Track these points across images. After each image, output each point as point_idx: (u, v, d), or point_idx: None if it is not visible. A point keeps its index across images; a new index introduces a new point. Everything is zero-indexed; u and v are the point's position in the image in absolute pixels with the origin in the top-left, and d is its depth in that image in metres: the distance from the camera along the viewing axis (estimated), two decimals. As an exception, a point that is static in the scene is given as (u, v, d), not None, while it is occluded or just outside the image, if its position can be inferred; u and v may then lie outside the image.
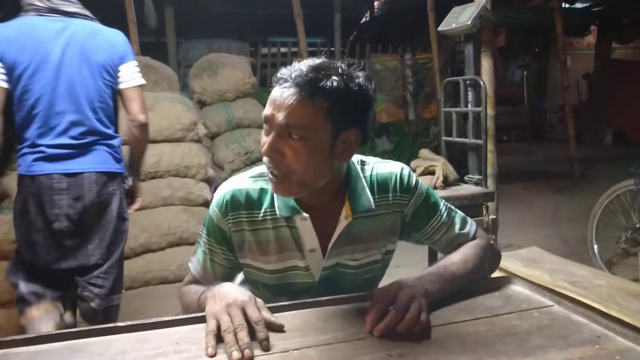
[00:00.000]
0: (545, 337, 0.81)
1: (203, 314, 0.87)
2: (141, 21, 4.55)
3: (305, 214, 0.99)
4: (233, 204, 1.01)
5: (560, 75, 6.42)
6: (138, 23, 4.15)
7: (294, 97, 0.88)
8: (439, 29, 2.88)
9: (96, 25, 1.88)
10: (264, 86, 5.36)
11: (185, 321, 0.89)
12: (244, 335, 0.78)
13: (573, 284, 1.81)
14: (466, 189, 2.50)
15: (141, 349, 0.80)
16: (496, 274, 1.92)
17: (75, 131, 1.79)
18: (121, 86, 1.88)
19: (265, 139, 0.92)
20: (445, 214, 1.09)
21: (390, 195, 1.05)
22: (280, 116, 0.89)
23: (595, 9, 8.49)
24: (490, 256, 1.09)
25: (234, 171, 3.65)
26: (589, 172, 6.33)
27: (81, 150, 1.80)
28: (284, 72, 0.91)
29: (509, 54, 10.33)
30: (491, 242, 1.13)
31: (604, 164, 6.74)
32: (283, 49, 6.39)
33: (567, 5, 8.30)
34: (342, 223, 1.00)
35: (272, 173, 0.94)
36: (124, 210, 1.95)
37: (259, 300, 0.88)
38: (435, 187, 2.36)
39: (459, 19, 2.68)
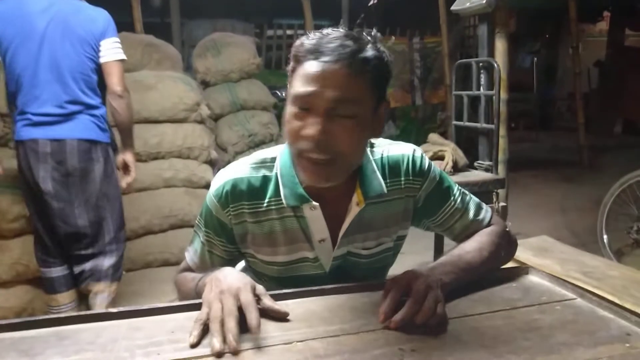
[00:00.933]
0: (570, 333, 0.75)
1: (200, 300, 0.81)
2: (145, 0, 4.45)
3: (315, 203, 0.91)
4: (234, 195, 0.93)
5: (571, 62, 6.29)
6: (142, 3, 4.06)
7: (341, 71, 0.79)
8: (452, 8, 2.78)
9: (81, 3, 2.03)
10: (269, 68, 5.27)
11: (182, 308, 0.83)
12: (231, 325, 0.71)
13: (585, 275, 1.75)
14: (476, 175, 2.43)
15: (133, 337, 0.74)
16: (508, 263, 1.87)
17: (59, 100, 1.93)
18: (101, 60, 2.01)
19: (303, 123, 0.82)
20: (459, 199, 1.02)
21: (403, 179, 0.98)
22: (328, 93, 0.79)
23: (609, -5, 8.29)
24: (506, 244, 1.02)
25: (238, 153, 3.59)
26: (597, 161, 6.23)
27: (65, 118, 1.94)
28: (312, 44, 0.82)
29: (519, 40, 10.13)
30: (507, 229, 1.07)
31: (614, 153, 6.64)
32: (289, 31, 6.28)
33: (580, -10, 8.09)
34: (354, 210, 0.93)
35: (316, 159, 0.83)
36: (111, 178, 2.07)
37: (260, 287, 0.81)
38: (444, 173, 2.29)
39: (473, -2, 2.58)
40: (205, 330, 0.73)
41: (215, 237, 0.99)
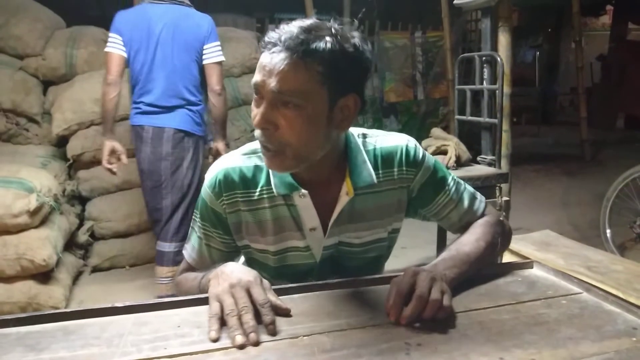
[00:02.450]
0: (576, 327, 0.75)
1: (206, 295, 0.81)
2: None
3: (304, 191, 0.92)
4: (227, 184, 0.94)
5: (574, 56, 6.25)
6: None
7: (285, 62, 0.80)
8: (455, 2, 2.75)
9: (189, 10, 2.32)
10: (270, 63, 5.23)
11: (187, 303, 0.83)
12: (249, 318, 0.72)
13: (589, 269, 1.75)
14: (479, 169, 2.42)
15: (139, 332, 0.74)
16: (510, 257, 1.87)
17: (165, 95, 2.26)
18: (204, 62, 2.30)
19: (257, 110, 0.84)
20: (453, 189, 1.03)
21: (396, 169, 0.98)
22: (271, 83, 0.81)
23: (613, -12, 8.23)
24: (501, 232, 1.02)
25: (240, 149, 3.58)
26: (600, 156, 6.21)
27: (167, 110, 2.27)
28: (272, 35, 0.83)
29: (521, 34, 10.07)
30: (501, 218, 1.07)
31: (616, 148, 6.61)
32: (290, 26, 6.24)
33: (583, -16, 8.03)
34: (343, 199, 0.94)
35: (266, 147, 0.86)
36: (196, 167, 2.36)
37: (265, 282, 0.81)
38: (447, 167, 2.28)
39: (476, -9, 2.56)
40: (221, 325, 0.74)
41: (211, 229, 0.99)
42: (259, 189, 0.95)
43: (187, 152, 2.31)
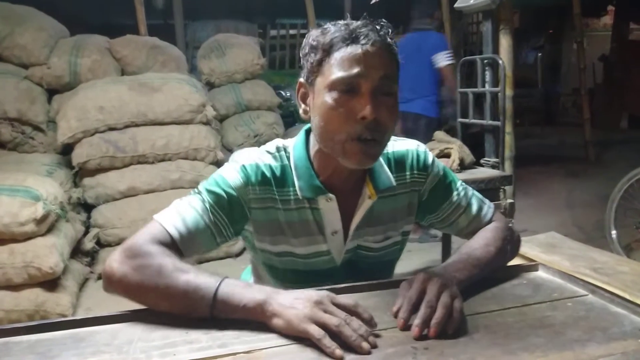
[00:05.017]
0: (582, 329, 0.75)
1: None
2: (149, 2, 4.47)
3: (331, 195, 0.93)
4: (259, 177, 0.91)
5: (576, 57, 6.24)
6: (145, 4, 4.08)
7: (380, 51, 0.84)
8: (456, 5, 2.77)
9: (429, 33, 3.47)
10: (272, 68, 5.27)
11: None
12: (357, 324, 0.70)
13: (595, 271, 1.74)
14: (483, 172, 2.42)
15: (149, 338, 0.75)
16: (516, 260, 1.86)
17: (415, 89, 3.33)
18: (437, 66, 3.37)
19: (348, 107, 0.83)
20: (462, 194, 1.03)
21: (408, 173, 1.00)
22: (376, 71, 0.83)
23: (614, -12, 8.23)
24: (510, 239, 1.03)
25: (243, 154, 3.60)
26: (604, 157, 6.19)
27: (413, 99, 3.39)
28: (343, 31, 0.84)
29: (523, 36, 10.07)
30: (510, 224, 1.07)
31: (620, 148, 6.58)
32: (292, 31, 6.27)
33: (584, -15, 8.03)
34: (367, 203, 0.94)
35: (372, 139, 0.84)
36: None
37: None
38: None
39: (477, -5, 2.57)
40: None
41: (217, 209, 0.89)
42: (289, 189, 0.94)
43: (422, 129, 3.35)
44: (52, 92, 3.18)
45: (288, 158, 0.96)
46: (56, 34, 3.26)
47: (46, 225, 2.30)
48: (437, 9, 3.88)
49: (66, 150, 3.02)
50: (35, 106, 3.03)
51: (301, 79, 0.93)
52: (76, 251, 2.76)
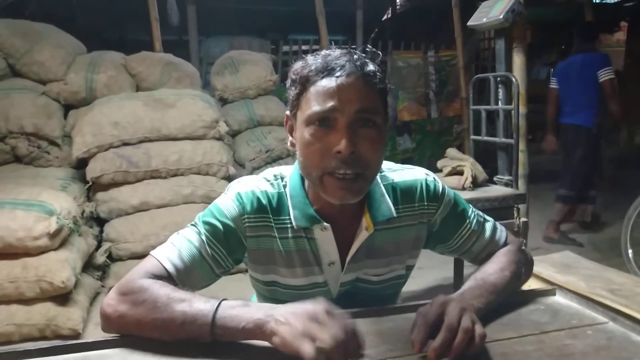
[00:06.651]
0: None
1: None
2: (164, 19, 4.54)
3: (326, 224, 0.90)
4: (255, 205, 0.91)
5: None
6: (161, 21, 4.14)
7: (356, 83, 0.81)
8: (469, 23, 2.77)
9: (593, 53, 3.91)
10: (285, 84, 5.29)
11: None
12: (350, 349, 0.69)
13: (612, 292, 1.70)
14: (496, 190, 2.40)
15: (161, 362, 0.74)
16: (531, 281, 1.83)
17: (576, 103, 3.86)
18: (600, 80, 3.74)
19: (325, 142, 0.81)
20: (474, 221, 1.01)
21: (417, 204, 0.97)
22: (351, 105, 0.81)
23: (628, 4, 8.19)
24: (524, 262, 1.01)
25: (255, 169, 3.60)
26: (619, 173, 6.11)
27: (575, 113, 3.89)
28: (319, 63, 0.83)
29: (535, 52, 10.04)
30: (522, 247, 1.05)
31: (634, 164, 6.49)
32: (304, 47, 6.33)
33: (597, 0, 8.02)
34: (363, 234, 0.91)
35: (346, 173, 0.82)
36: (587, 151, 3.90)
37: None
38: (463, 188, 2.27)
39: (490, 13, 2.58)
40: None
41: (213, 241, 0.89)
42: (285, 218, 0.92)
43: (582, 138, 3.89)
44: (68, 107, 3.23)
45: (285, 186, 0.94)
46: (74, 51, 3.32)
47: (59, 239, 2.32)
48: (598, 35, 4.53)
49: (80, 164, 3.05)
50: (52, 121, 3.07)
51: (287, 112, 0.93)
52: (88, 265, 2.77)
